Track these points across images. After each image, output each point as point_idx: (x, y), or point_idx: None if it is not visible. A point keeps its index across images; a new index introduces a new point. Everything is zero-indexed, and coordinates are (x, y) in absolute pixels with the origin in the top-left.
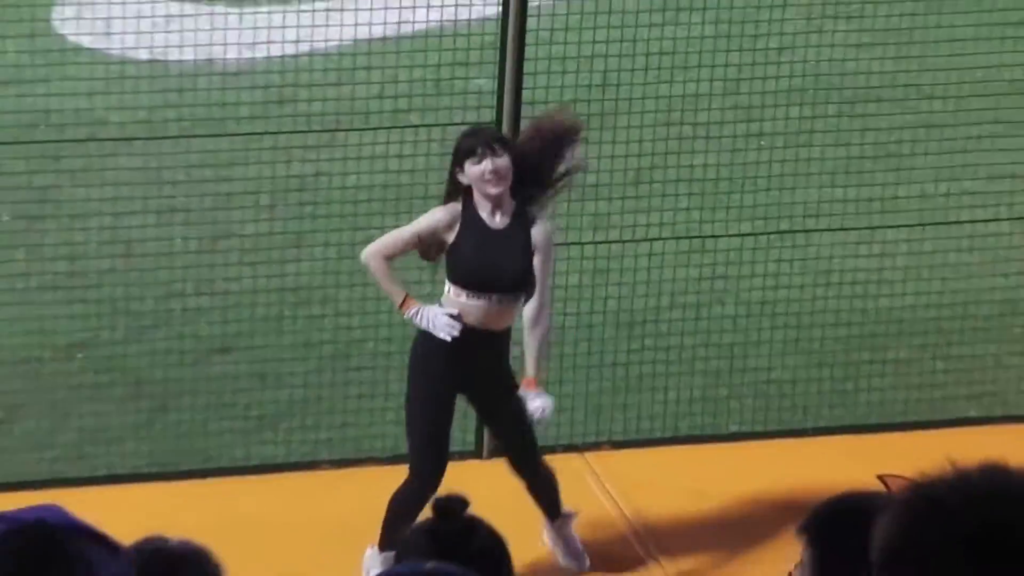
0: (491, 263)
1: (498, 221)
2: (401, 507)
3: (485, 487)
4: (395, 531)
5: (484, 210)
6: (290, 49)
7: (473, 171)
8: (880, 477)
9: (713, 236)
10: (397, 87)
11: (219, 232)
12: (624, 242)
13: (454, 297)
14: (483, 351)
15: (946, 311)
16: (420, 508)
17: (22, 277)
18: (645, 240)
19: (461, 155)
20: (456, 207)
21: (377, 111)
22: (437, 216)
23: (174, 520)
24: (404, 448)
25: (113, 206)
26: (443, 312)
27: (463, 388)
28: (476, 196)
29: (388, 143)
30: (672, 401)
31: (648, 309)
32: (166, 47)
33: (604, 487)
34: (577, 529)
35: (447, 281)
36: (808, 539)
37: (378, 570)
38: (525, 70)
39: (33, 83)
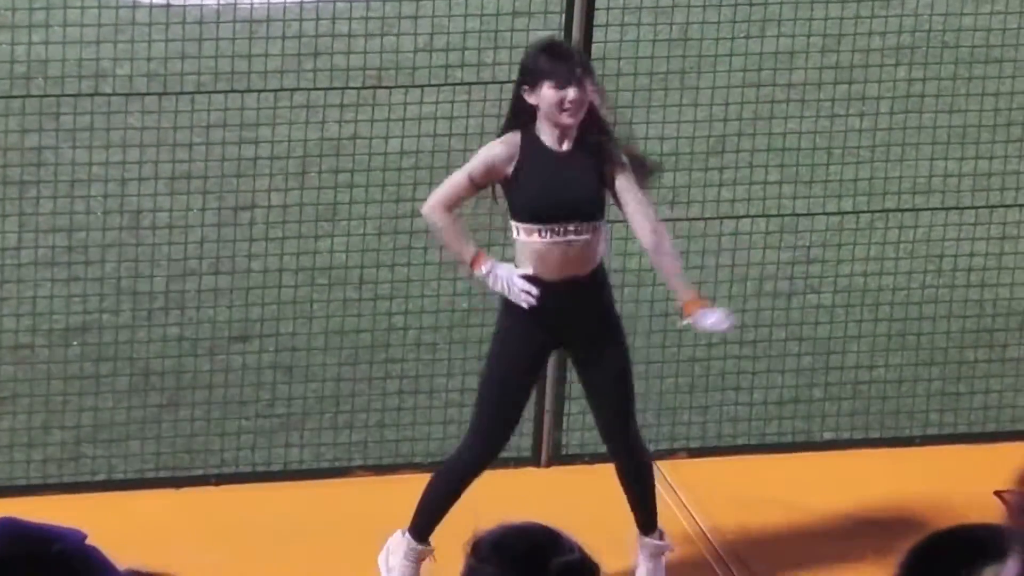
0: (562, 186)
1: (564, 146)
2: (450, 483)
3: (543, 498)
4: (437, 511)
5: (548, 136)
6: None
7: (550, 95)
8: (998, 494)
9: (807, 214)
10: (448, 39)
11: (240, 202)
12: (703, 219)
13: (526, 238)
14: (574, 304)
15: None
16: (470, 483)
17: (12, 252)
18: (728, 217)
19: (539, 74)
20: (515, 137)
21: (424, 66)
22: (496, 150)
23: (182, 533)
24: (450, 452)
25: (118, 171)
26: (518, 274)
27: (557, 344)
28: (541, 121)
29: (437, 103)
30: (757, 403)
31: (731, 297)
32: None
33: (679, 499)
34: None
35: (514, 223)
36: None
37: (402, 560)
38: (595, 21)
39: (27, 29)
